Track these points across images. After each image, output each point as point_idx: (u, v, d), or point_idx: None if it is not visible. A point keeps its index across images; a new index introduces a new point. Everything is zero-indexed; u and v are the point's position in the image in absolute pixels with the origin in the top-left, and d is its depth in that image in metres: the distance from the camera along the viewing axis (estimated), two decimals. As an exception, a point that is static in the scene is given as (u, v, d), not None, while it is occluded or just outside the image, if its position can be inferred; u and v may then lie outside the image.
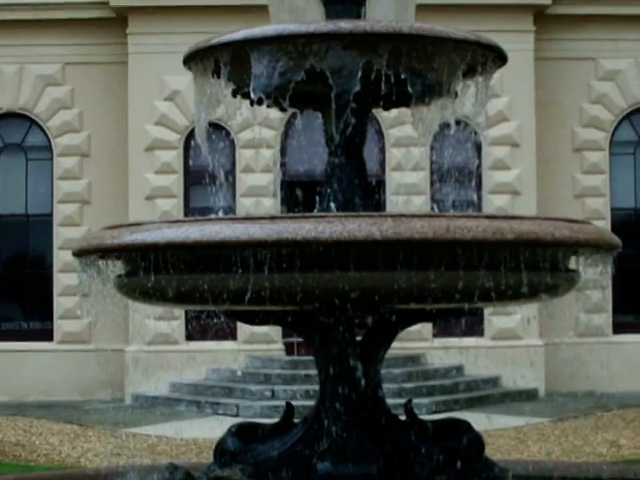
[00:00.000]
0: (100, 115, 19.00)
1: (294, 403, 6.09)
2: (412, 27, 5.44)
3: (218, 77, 5.71)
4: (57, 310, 18.92)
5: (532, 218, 5.15)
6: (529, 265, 4.92)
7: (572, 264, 5.40)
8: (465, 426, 5.81)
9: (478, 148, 17.89)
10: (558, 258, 5.19)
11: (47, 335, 18.98)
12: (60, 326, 18.91)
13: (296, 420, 5.91)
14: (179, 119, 18.42)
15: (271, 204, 17.90)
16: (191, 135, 17.98)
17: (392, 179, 18.37)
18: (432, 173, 18.24)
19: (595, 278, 5.49)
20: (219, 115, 6.06)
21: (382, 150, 18.53)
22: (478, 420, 6.95)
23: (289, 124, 17.83)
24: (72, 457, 12.21)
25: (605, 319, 18.91)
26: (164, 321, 17.77)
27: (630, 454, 11.81)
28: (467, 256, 4.79)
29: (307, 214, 4.87)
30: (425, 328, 16.84)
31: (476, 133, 16.33)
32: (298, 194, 7.55)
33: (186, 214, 18.07)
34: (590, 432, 13.52)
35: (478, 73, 5.78)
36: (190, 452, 12.34)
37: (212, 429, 9.58)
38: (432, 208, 17.36)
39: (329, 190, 5.85)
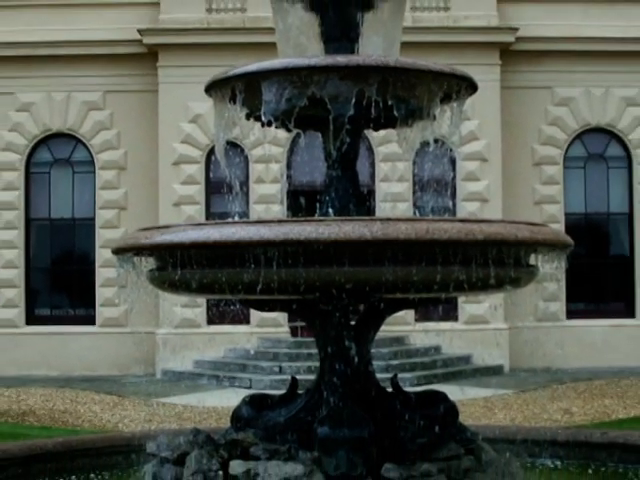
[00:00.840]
0: (135, 135, 19.00)
1: (298, 377, 6.07)
2: (398, 61, 5.42)
3: (234, 103, 5.69)
4: (99, 299, 18.91)
5: (498, 221, 5.14)
6: (496, 261, 4.91)
7: (532, 260, 5.39)
8: (442, 396, 5.80)
9: (453, 163, 17.82)
10: (520, 255, 5.18)
11: (90, 320, 18.97)
12: (101, 312, 18.90)
13: (300, 391, 5.90)
14: (201, 138, 18.41)
15: (279, 210, 17.89)
16: (211, 152, 17.99)
17: (381, 189, 18.35)
18: (414, 184, 18.23)
19: (551, 272, 5.48)
20: (235, 135, 6.04)
21: (372, 164, 18.51)
22: (453, 392, 6.92)
23: (294, 142, 17.81)
24: (111, 423, 12.19)
25: (560, 306, 18.92)
26: (189, 308, 17.77)
27: (581, 420, 11.79)
28: (444, 253, 4.78)
29: (309, 218, 4.86)
30: (408, 314, 16.82)
31: (451, 150, 16.15)
32: (301, 201, 7.54)
33: (207, 218, 18.04)
34: (547, 402, 13.50)
35: (453, 99, 5.76)
36: (211, 418, 12.32)
37: (229, 399, 9.56)
38: (414, 213, 17.34)
39: (327, 198, 5.84)
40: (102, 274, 18.64)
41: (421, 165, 16.65)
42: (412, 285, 4.85)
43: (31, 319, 19.08)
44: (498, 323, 17.84)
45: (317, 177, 14.68)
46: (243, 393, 6.36)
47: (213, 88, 5.74)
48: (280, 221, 4.80)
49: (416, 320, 17.61)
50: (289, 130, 5.87)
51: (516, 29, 18.69)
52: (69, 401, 14.19)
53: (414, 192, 18.30)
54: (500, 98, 18.52)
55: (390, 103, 5.44)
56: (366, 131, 6.18)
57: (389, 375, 6.26)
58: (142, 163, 18.88)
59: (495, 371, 17.57)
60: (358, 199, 5.87)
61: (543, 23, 18.99)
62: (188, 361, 17.65)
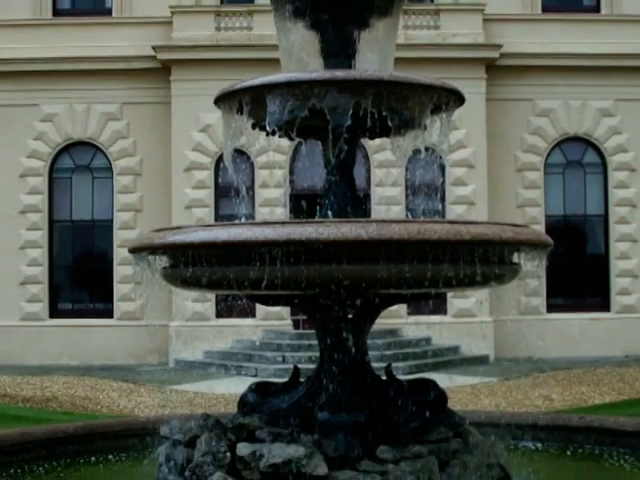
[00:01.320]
0: (149, 143, 19.00)
1: (300, 366, 6.06)
2: (391, 75, 5.42)
3: (241, 114, 5.69)
4: (116, 294, 18.91)
5: (484, 223, 5.14)
6: (482, 259, 4.90)
7: (515, 258, 5.39)
8: (432, 384, 5.80)
9: (442, 169, 17.87)
10: (504, 254, 5.18)
11: (109, 313, 18.97)
12: (119, 306, 18.90)
13: (301, 380, 5.89)
14: (211, 146, 18.41)
15: (282, 212, 17.89)
16: (220, 159, 17.99)
17: (376, 193, 18.35)
18: (407, 188, 18.23)
19: (533, 269, 5.48)
20: (242, 143, 6.03)
21: (368, 170, 18.51)
22: (442, 379, 6.92)
23: (296, 150, 17.81)
24: (128, 408, 12.19)
25: (541, 301, 18.91)
26: (199, 303, 17.77)
27: (560, 406, 11.79)
28: (434, 252, 4.78)
29: (310, 220, 4.86)
30: (401, 308, 16.80)
31: (441, 157, 16.25)
32: (303, 204, 7.54)
33: (216, 220, 18.04)
34: (529, 389, 13.50)
35: (442, 111, 5.76)
36: (219, 404, 12.31)
37: (236, 386, 9.56)
38: (407, 215, 17.34)
39: (327, 201, 5.83)
40: (119, 271, 18.63)
41: (413, 171, 16.65)
42: (405, 281, 4.85)
43: (54, 313, 19.08)
44: (484, 316, 17.84)
45: (317, 182, 14.66)
46: (249, 381, 6.35)
47: (222, 100, 5.74)
48: (283, 222, 4.80)
49: (408, 314, 17.60)
50: (291, 139, 5.87)
51: (500, 46, 18.70)
52: (89, 388, 14.19)
53: (406, 196, 18.30)
54: (485, 109, 18.52)
55: (384, 114, 5.44)
56: (362, 140, 6.18)
57: (383, 364, 6.26)
58: (156, 169, 18.89)
59: (481, 360, 17.57)
60: (355, 202, 5.87)
61: (525, 40, 19.02)
62: (198, 351, 17.65)
